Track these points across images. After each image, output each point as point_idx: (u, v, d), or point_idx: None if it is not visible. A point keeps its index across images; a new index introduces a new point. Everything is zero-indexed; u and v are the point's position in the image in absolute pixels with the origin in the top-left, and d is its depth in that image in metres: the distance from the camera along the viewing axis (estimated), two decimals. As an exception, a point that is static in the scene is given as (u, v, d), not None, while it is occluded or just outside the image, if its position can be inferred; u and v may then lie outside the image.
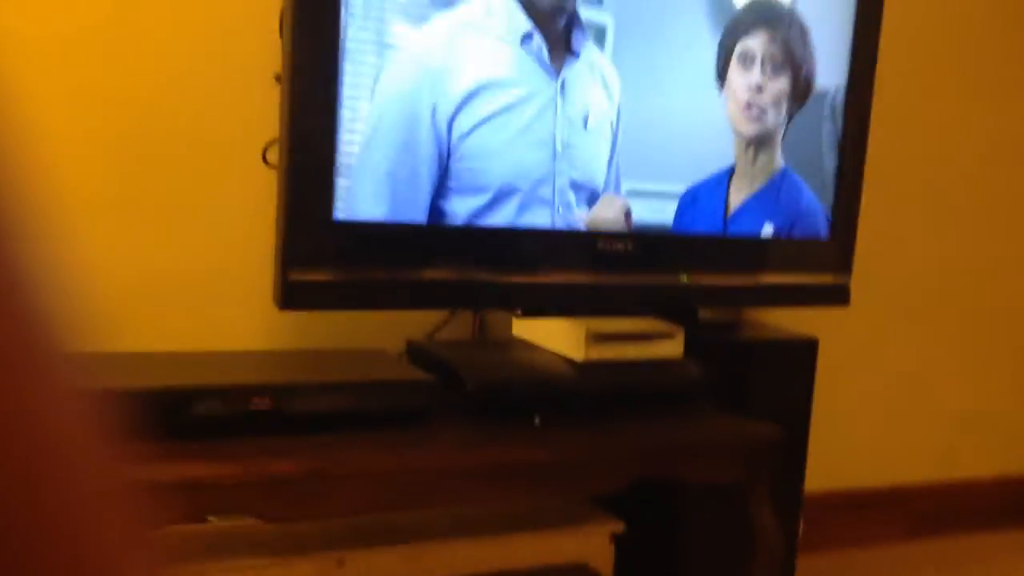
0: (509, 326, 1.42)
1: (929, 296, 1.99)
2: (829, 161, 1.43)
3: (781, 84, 1.37)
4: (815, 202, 1.43)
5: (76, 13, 1.26)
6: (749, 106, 1.36)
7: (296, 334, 1.40)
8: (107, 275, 1.31)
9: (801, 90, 1.39)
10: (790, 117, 1.39)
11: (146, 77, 1.30)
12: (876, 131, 1.51)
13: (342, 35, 1.03)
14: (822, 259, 1.44)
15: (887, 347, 1.96)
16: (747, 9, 1.35)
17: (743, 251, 1.40)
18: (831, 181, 1.43)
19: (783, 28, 1.36)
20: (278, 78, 1.04)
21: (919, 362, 2.01)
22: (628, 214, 1.31)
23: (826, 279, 1.46)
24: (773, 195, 1.41)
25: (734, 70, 1.34)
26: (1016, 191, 2.07)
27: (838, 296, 1.46)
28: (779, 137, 1.39)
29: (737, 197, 1.38)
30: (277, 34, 1.08)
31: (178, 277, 1.35)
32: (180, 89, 1.31)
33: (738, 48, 1.34)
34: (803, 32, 1.38)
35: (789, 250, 1.43)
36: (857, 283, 1.57)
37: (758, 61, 1.35)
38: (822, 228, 1.44)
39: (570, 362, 1.31)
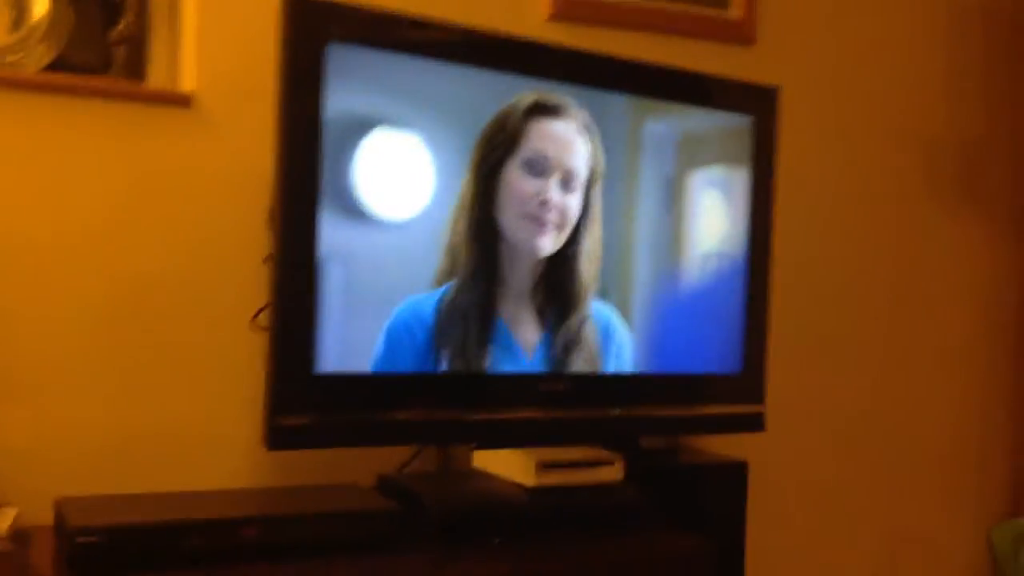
0: (471, 459, 1.62)
1: (850, 421, 2.20)
2: (737, 310, 1.69)
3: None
4: (725, 342, 1.68)
5: (88, 205, 1.51)
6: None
7: (278, 472, 1.59)
8: (115, 425, 1.51)
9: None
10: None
11: (148, 260, 1.53)
12: (780, 280, 1.77)
13: (318, 227, 1.28)
14: (737, 391, 1.68)
15: (813, 469, 2.16)
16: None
17: (668, 386, 1.63)
18: (739, 326, 1.68)
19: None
20: (266, 260, 1.29)
21: (846, 482, 2.20)
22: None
23: (743, 408, 1.69)
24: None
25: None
26: (918, 326, 2.31)
27: (754, 423, 1.69)
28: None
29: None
30: (263, 225, 1.33)
31: (172, 427, 1.54)
32: (177, 269, 1.55)
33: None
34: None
35: (710, 384, 1.66)
36: (779, 411, 1.80)
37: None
38: (736, 364, 1.69)
39: (523, 488, 1.51)
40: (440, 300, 1.42)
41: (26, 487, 1.42)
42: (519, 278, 1.49)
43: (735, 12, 1.99)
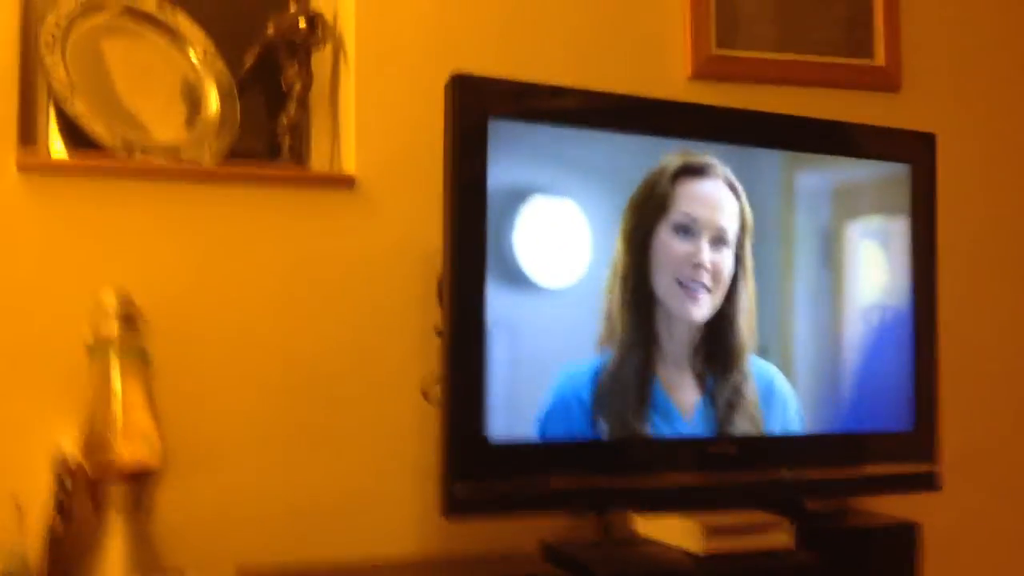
0: (631, 524, 1.60)
1: (1022, 476, 2.09)
2: (905, 364, 1.63)
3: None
4: (897, 398, 1.62)
5: (262, 285, 1.58)
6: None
7: (443, 539, 1.61)
8: (290, 495, 1.56)
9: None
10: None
11: (318, 335, 1.60)
12: (946, 330, 1.70)
13: (486, 296, 1.31)
14: (909, 449, 1.61)
15: (991, 530, 2.04)
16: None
17: (836, 446, 1.57)
18: (908, 380, 1.62)
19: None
20: (439, 332, 1.32)
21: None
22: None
23: (917, 468, 1.61)
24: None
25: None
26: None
27: (928, 482, 1.61)
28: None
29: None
30: (430, 294, 1.37)
31: (343, 496, 1.59)
32: (345, 343, 1.61)
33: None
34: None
35: (878, 443, 1.60)
36: (953, 469, 1.71)
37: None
38: (907, 421, 1.62)
39: (690, 555, 1.48)
40: (599, 370, 1.42)
41: (208, 554, 1.48)
42: (677, 342, 1.48)
43: (879, 59, 1.96)
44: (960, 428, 1.92)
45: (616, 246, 1.44)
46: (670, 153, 1.48)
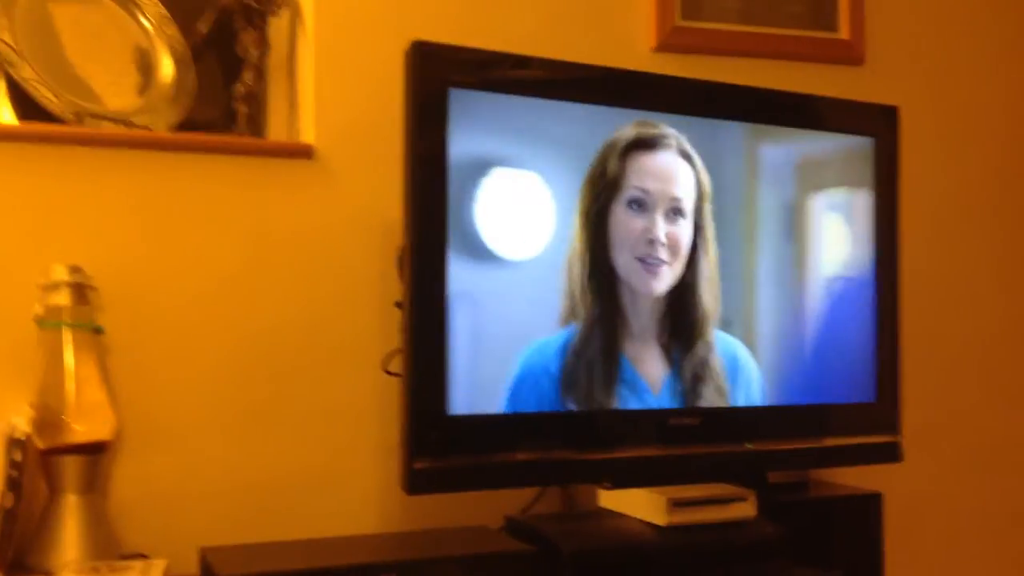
0: (595, 498, 1.59)
1: (992, 446, 2.11)
2: (868, 336, 1.64)
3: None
4: (859, 370, 1.62)
5: (218, 257, 1.55)
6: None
7: (406, 515, 1.60)
8: (250, 472, 1.54)
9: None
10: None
11: (276, 307, 1.57)
12: (908, 302, 1.71)
13: (447, 268, 1.29)
14: (872, 421, 1.62)
15: (953, 498, 2.07)
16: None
17: (799, 418, 1.58)
18: (871, 352, 1.62)
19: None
20: (398, 304, 1.30)
21: (989, 511, 2.10)
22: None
23: (879, 439, 1.62)
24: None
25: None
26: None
27: (891, 453, 1.62)
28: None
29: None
30: (390, 267, 1.35)
31: (304, 473, 1.57)
32: (304, 315, 1.58)
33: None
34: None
35: (841, 414, 1.61)
36: (915, 439, 1.73)
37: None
38: (869, 393, 1.63)
39: (654, 527, 1.48)
40: (565, 345, 1.41)
41: (165, 533, 1.46)
42: (641, 316, 1.47)
43: (843, 33, 1.96)
44: (922, 400, 1.94)
45: (574, 223, 1.42)
46: (623, 125, 1.46)
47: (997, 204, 2.15)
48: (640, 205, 1.45)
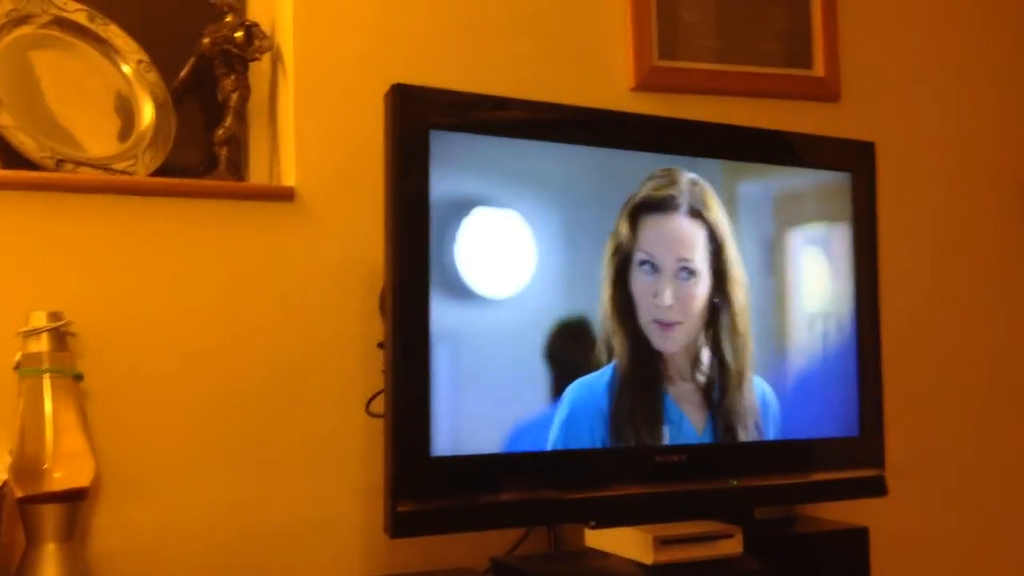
0: (582, 537, 1.58)
1: (976, 480, 2.11)
2: (850, 371, 1.65)
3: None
4: (842, 405, 1.63)
5: (200, 300, 1.54)
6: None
7: (389, 558, 1.58)
8: (233, 517, 1.52)
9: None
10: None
11: (258, 351, 1.56)
12: (889, 336, 1.72)
13: (430, 308, 1.29)
14: (856, 455, 1.62)
15: (938, 532, 2.07)
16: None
17: (784, 454, 1.58)
18: (853, 386, 1.63)
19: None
20: (381, 346, 1.29)
21: (973, 544, 2.10)
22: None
23: (864, 473, 1.62)
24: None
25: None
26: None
27: (876, 487, 1.62)
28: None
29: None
30: (373, 309, 1.34)
31: (288, 516, 1.55)
32: (286, 358, 1.57)
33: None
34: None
35: (825, 449, 1.61)
36: (900, 474, 1.73)
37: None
38: (852, 427, 1.63)
39: (641, 566, 1.47)
40: (610, 382, 1.43)
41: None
42: (669, 368, 1.49)
43: (819, 70, 1.99)
44: (905, 433, 1.94)
45: (603, 272, 1.44)
46: (614, 163, 1.47)
47: (973, 237, 2.18)
48: (651, 267, 1.47)
